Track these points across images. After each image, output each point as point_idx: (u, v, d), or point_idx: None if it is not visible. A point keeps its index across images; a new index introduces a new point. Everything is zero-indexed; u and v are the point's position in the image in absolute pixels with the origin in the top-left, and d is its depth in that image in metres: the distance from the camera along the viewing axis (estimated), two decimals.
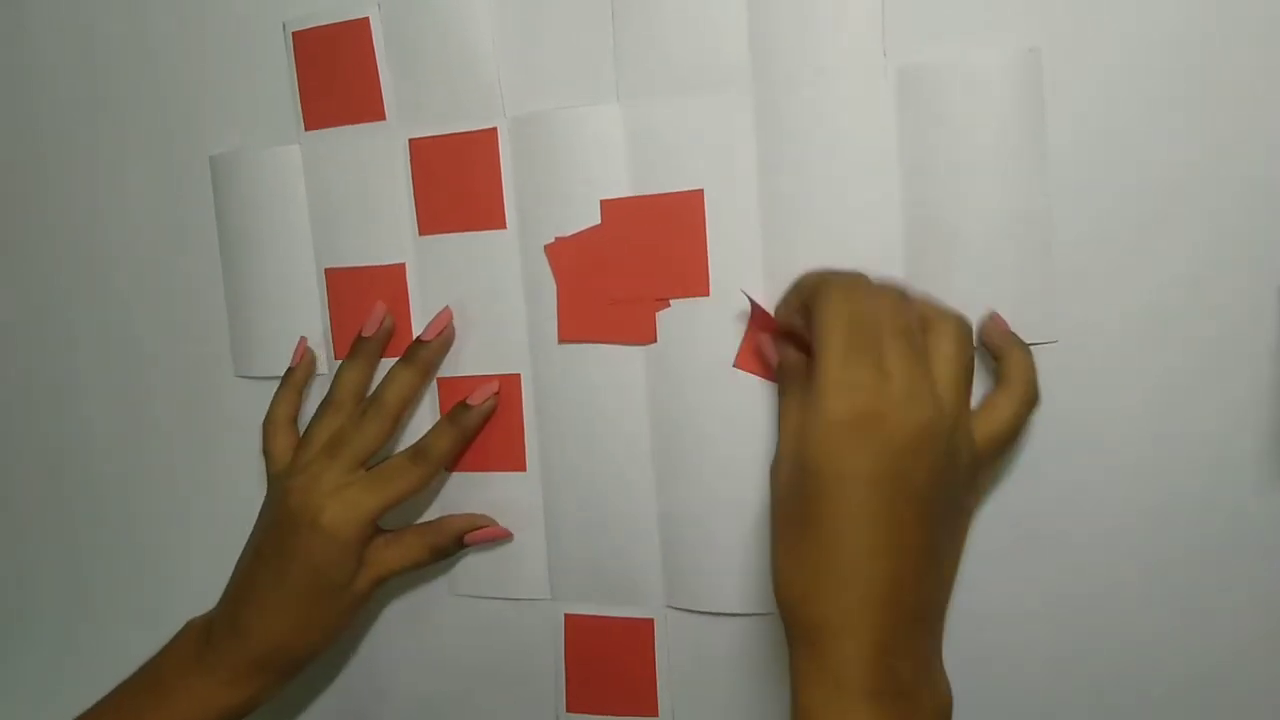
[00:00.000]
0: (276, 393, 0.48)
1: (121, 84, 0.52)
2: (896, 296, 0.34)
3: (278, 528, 0.44)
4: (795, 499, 0.32)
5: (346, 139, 0.47)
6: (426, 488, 0.45)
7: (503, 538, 0.47)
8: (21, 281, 0.57)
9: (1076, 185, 0.37)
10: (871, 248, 0.39)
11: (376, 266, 0.48)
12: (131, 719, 0.44)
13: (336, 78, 0.47)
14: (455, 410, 0.45)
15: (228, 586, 0.46)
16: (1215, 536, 0.37)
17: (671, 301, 0.42)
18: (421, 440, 0.45)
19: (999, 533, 0.40)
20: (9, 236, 0.57)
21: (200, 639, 0.45)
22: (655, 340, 0.43)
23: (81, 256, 0.55)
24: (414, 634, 0.50)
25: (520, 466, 0.46)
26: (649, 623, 0.46)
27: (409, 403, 0.45)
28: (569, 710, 0.47)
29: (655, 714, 0.46)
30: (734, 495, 0.42)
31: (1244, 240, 0.36)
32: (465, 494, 0.48)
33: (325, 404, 0.46)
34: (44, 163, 0.55)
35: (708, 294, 0.42)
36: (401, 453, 0.45)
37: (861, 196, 0.39)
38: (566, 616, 0.47)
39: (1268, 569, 0.37)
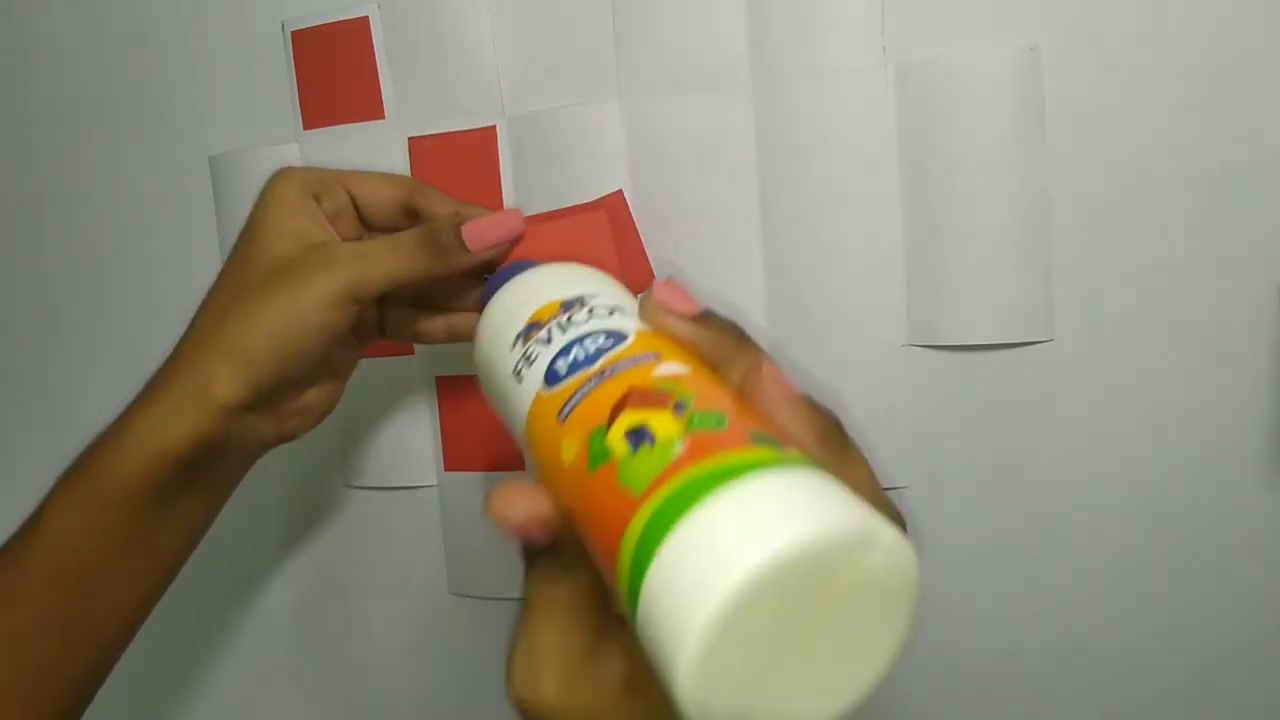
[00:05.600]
0: None
1: (121, 84, 0.52)
2: None
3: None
4: None
5: (346, 138, 0.47)
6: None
7: (514, 226, 0.38)
8: (21, 282, 0.57)
9: (1076, 185, 0.37)
10: (871, 247, 0.39)
11: None
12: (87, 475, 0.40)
13: (335, 77, 0.47)
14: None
15: None
16: (1215, 536, 0.37)
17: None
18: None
19: (998, 533, 0.40)
20: (8, 236, 0.57)
21: (144, 390, 0.39)
22: None
23: (81, 256, 0.55)
24: (414, 634, 0.50)
25: (520, 464, 0.46)
26: None
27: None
28: None
29: None
30: None
31: (1244, 240, 0.35)
32: (464, 494, 0.48)
33: None
34: (43, 163, 0.55)
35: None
36: None
37: (861, 196, 0.39)
38: None
39: (1268, 569, 0.37)
